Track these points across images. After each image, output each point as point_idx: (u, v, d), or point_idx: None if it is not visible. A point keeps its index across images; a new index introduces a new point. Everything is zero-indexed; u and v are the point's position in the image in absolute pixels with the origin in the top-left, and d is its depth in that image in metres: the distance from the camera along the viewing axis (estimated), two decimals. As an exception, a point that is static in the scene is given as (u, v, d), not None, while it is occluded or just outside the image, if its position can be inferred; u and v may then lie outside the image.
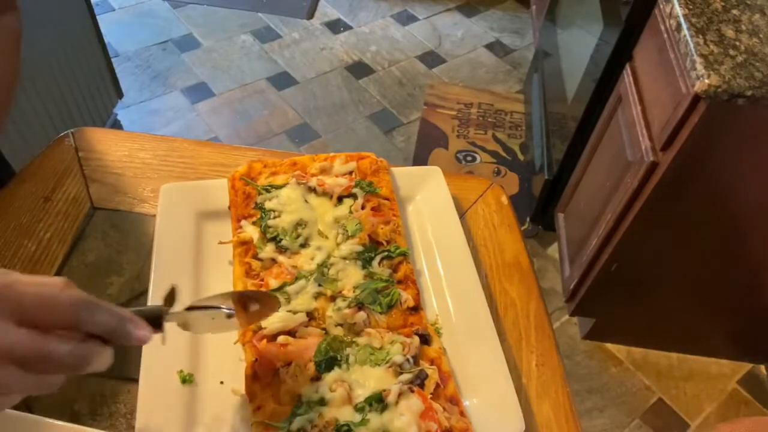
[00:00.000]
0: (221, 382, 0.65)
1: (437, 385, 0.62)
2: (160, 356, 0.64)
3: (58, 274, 0.72)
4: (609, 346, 1.83)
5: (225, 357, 0.66)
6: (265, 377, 0.62)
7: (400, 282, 0.71)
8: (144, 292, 0.70)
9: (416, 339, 0.65)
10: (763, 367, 1.81)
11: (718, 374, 1.79)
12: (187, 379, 0.63)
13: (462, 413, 0.61)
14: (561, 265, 1.82)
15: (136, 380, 0.62)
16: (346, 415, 0.59)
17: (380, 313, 0.68)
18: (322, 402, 0.60)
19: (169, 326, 0.51)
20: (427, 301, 0.73)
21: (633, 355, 1.81)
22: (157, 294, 0.67)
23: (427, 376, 0.62)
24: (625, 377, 1.77)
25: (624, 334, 1.81)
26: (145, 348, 0.64)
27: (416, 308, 0.70)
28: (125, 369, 0.65)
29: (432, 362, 0.64)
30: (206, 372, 0.65)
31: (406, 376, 0.61)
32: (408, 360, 0.63)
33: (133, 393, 0.61)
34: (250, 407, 0.61)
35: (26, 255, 0.73)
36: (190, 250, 0.74)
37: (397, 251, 0.73)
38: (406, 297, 0.69)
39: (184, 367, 0.64)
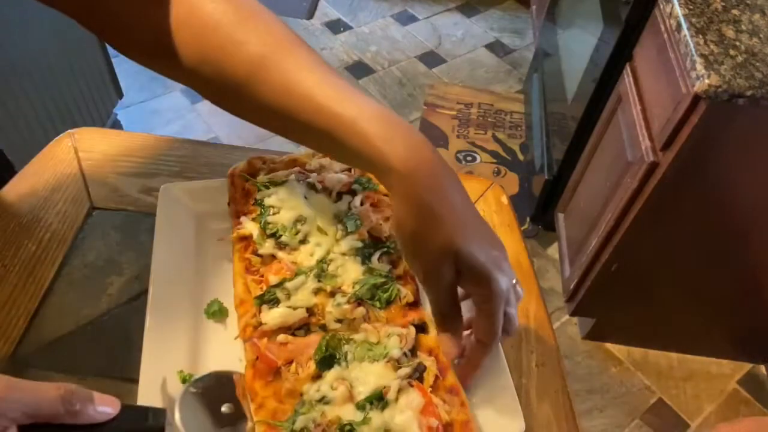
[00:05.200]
0: (221, 382, 0.65)
1: (436, 377, 0.62)
2: (160, 356, 0.63)
3: (57, 274, 0.72)
4: (609, 346, 1.83)
5: (225, 357, 0.66)
6: (265, 376, 0.62)
7: (399, 278, 0.71)
8: (144, 292, 0.69)
9: (412, 330, 0.65)
10: (763, 367, 1.81)
11: (718, 374, 1.79)
12: (187, 379, 0.63)
13: (463, 403, 0.61)
14: (561, 265, 1.82)
15: (136, 380, 0.61)
16: (348, 413, 0.58)
17: (379, 308, 0.68)
18: (324, 400, 0.60)
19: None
20: (427, 298, 0.73)
21: (633, 355, 1.81)
22: (158, 293, 0.67)
23: (425, 368, 0.62)
24: (625, 377, 1.77)
25: (624, 334, 1.81)
26: (145, 348, 0.64)
27: (415, 303, 0.69)
28: (125, 369, 0.65)
29: (430, 352, 0.64)
30: (206, 372, 0.65)
31: (404, 371, 0.61)
32: (405, 353, 0.63)
33: (133, 393, 0.61)
34: (251, 406, 0.61)
35: (26, 255, 0.73)
36: (190, 250, 0.74)
37: (396, 247, 0.73)
38: (405, 292, 0.69)
39: (184, 367, 0.64)
